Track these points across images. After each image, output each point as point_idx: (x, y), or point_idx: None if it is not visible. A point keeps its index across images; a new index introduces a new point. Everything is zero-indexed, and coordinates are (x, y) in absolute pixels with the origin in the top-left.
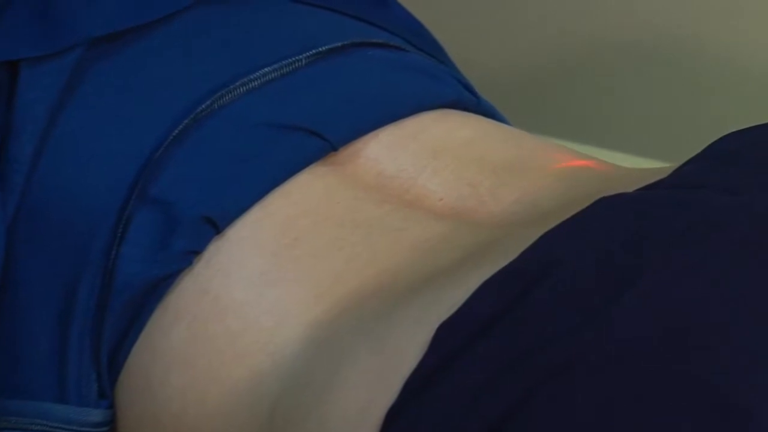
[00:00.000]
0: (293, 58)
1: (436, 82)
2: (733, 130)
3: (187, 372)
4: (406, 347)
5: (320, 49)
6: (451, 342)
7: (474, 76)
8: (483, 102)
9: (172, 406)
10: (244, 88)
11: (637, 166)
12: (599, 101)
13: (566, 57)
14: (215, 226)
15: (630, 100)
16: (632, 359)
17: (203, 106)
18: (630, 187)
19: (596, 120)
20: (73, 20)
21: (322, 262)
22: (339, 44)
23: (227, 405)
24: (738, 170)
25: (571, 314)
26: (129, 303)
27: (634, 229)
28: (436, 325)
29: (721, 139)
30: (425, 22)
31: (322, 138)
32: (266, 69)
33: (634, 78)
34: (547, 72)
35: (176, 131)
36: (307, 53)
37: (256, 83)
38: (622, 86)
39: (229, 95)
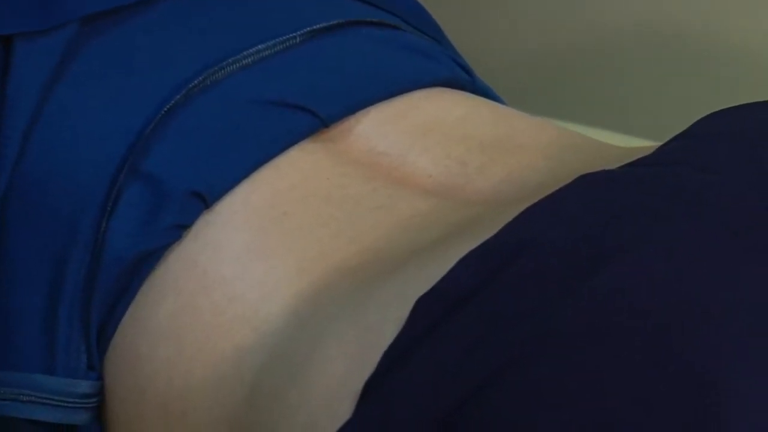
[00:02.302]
0: (287, 36)
1: (430, 61)
2: None
3: (174, 345)
4: (386, 321)
5: (315, 27)
6: (429, 316)
7: (479, 60)
8: (478, 81)
9: (158, 379)
10: (237, 64)
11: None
12: (602, 85)
13: (571, 42)
14: (204, 200)
15: (633, 84)
16: (602, 336)
17: (195, 82)
18: (614, 165)
19: (600, 102)
20: None
21: (308, 237)
22: (334, 22)
23: (212, 378)
24: (718, 148)
25: (544, 291)
26: (118, 277)
27: (611, 207)
28: (415, 300)
29: (705, 117)
30: (435, 8)
31: (313, 114)
32: (260, 46)
33: (639, 62)
34: (552, 57)
35: (167, 107)
36: (302, 31)
37: (249, 60)
38: (627, 70)
39: (222, 72)
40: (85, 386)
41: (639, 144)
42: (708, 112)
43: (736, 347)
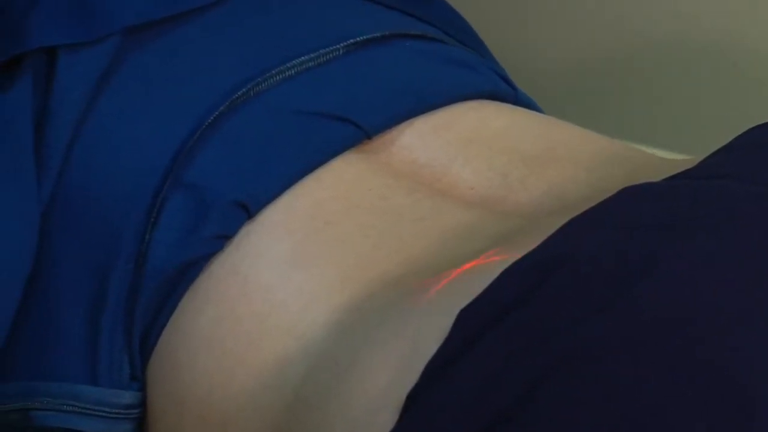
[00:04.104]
0: (331, 48)
1: (472, 73)
2: None
3: (215, 354)
4: (429, 332)
5: (358, 39)
6: (471, 327)
7: (517, 70)
8: (520, 93)
9: (199, 388)
10: (281, 76)
11: None
12: (640, 97)
13: (609, 53)
14: (247, 210)
15: (672, 96)
16: (636, 346)
17: (239, 93)
18: (657, 178)
19: (637, 115)
20: (111, 9)
21: (350, 248)
22: (377, 35)
23: (252, 387)
24: (761, 161)
25: (584, 303)
26: (161, 286)
27: (653, 220)
28: (457, 311)
29: (749, 130)
30: (474, 18)
31: (356, 126)
32: (303, 57)
33: (677, 74)
34: (591, 68)
35: (211, 118)
36: (345, 43)
37: (293, 71)
38: (665, 82)
39: (266, 83)
40: (128, 397)
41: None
42: (745, 126)
43: (764, 353)
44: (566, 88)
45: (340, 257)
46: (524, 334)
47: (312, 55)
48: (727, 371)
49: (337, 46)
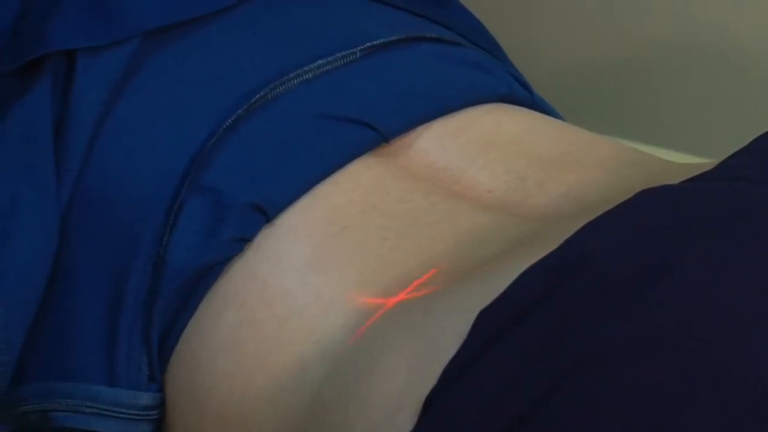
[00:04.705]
0: (348, 51)
1: (488, 77)
2: None
3: (234, 358)
4: (447, 334)
5: (375, 42)
6: (490, 330)
7: (532, 73)
8: (536, 97)
9: (219, 391)
10: (299, 79)
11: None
12: (654, 100)
13: (623, 56)
14: (265, 214)
15: (672, 97)
16: (651, 348)
17: (257, 96)
18: (674, 180)
19: (652, 118)
20: (130, 12)
21: (368, 251)
22: (394, 38)
23: (272, 391)
24: None
25: (601, 307)
26: (179, 289)
27: (671, 222)
28: (476, 313)
29: (766, 132)
30: (487, 20)
31: (374, 129)
32: (321, 61)
33: (690, 77)
34: (604, 71)
35: (229, 121)
36: (362, 46)
37: (310, 75)
38: (666, 83)
39: (283, 86)
40: (146, 398)
41: (686, 160)
42: (746, 125)
43: None
44: (567, 89)
45: (359, 261)
46: (542, 337)
47: (329, 59)
48: (741, 372)
49: (355, 49)
